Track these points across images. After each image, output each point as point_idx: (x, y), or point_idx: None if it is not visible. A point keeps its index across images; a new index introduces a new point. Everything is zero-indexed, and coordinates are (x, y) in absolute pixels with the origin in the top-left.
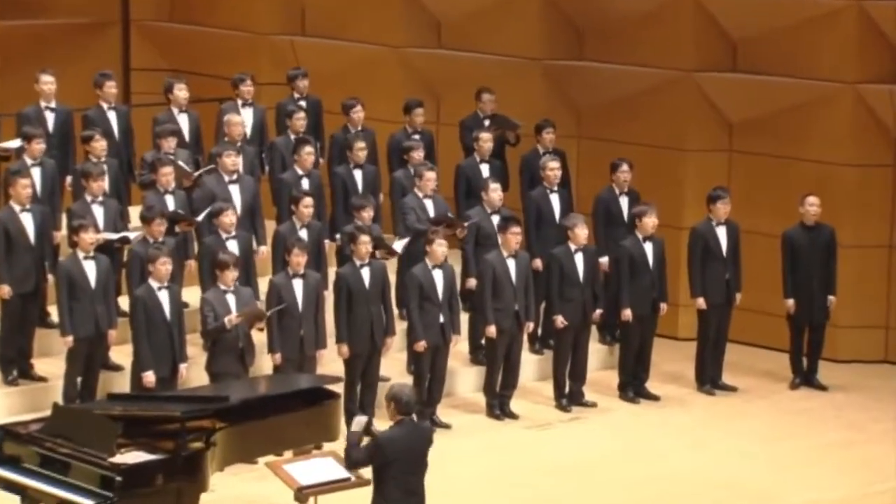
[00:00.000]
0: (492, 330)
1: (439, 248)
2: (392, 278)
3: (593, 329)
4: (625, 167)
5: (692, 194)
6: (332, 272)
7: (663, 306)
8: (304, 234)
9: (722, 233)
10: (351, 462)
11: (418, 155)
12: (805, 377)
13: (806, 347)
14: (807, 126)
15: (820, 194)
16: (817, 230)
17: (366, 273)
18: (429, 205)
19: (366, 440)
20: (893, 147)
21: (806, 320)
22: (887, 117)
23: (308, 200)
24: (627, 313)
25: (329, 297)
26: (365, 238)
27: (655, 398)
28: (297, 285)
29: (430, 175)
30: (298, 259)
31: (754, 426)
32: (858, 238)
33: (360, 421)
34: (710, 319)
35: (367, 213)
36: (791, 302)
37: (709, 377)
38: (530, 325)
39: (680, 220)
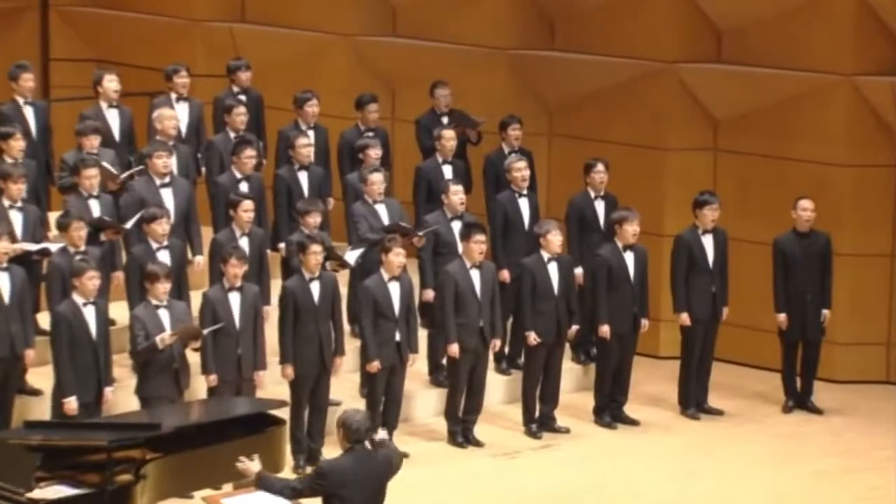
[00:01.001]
0: (454, 349)
1: (396, 258)
2: (343, 291)
3: (566, 347)
4: (600, 168)
5: (674, 198)
6: (275, 285)
7: (644, 322)
8: (244, 242)
9: (708, 241)
10: (289, 493)
11: (375, 154)
12: (799, 399)
13: (799, 366)
14: (799, 122)
15: (814, 198)
16: (811, 237)
17: (315, 287)
18: (382, 211)
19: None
20: (895, 145)
21: (799, 336)
22: (888, 113)
23: (248, 205)
24: (605, 330)
25: (271, 312)
26: (316, 248)
27: (635, 423)
28: (234, 300)
29: (375, 178)
30: (236, 270)
31: (743, 453)
32: (857, 246)
33: None
34: (695, 336)
35: (313, 220)
36: (783, 317)
37: (693, 399)
38: (496, 343)
39: (660, 226)
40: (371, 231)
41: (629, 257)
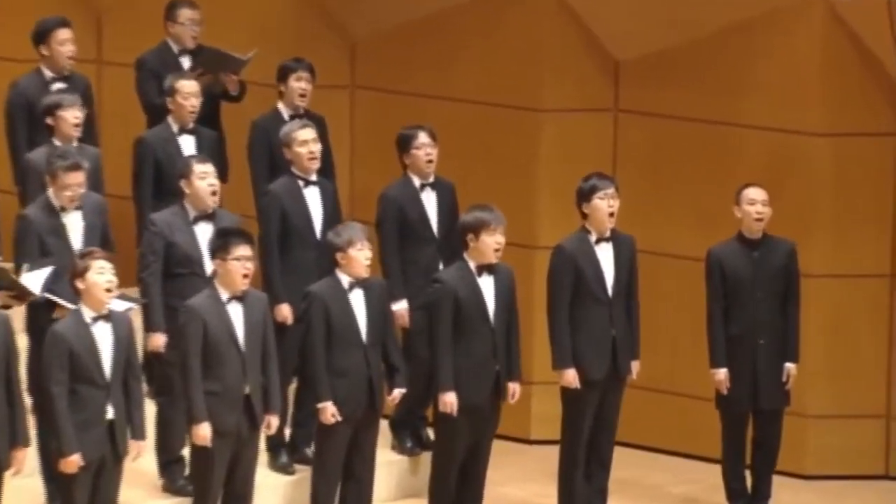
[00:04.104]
0: (204, 430)
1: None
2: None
3: (384, 426)
4: (424, 140)
5: (551, 188)
6: None
7: (513, 388)
8: None
9: (606, 254)
10: None
11: (72, 117)
12: None
13: (751, 454)
14: (747, 65)
15: (771, 185)
16: (766, 247)
17: None
18: (74, 223)
19: None
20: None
21: (749, 406)
22: (883, 48)
23: None
24: (449, 399)
25: None
26: None
27: None
28: None
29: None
30: None
31: None
32: (837, 261)
33: None
34: (586, 406)
35: None
36: (722, 373)
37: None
38: (272, 422)
39: (531, 233)
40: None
41: (487, 284)
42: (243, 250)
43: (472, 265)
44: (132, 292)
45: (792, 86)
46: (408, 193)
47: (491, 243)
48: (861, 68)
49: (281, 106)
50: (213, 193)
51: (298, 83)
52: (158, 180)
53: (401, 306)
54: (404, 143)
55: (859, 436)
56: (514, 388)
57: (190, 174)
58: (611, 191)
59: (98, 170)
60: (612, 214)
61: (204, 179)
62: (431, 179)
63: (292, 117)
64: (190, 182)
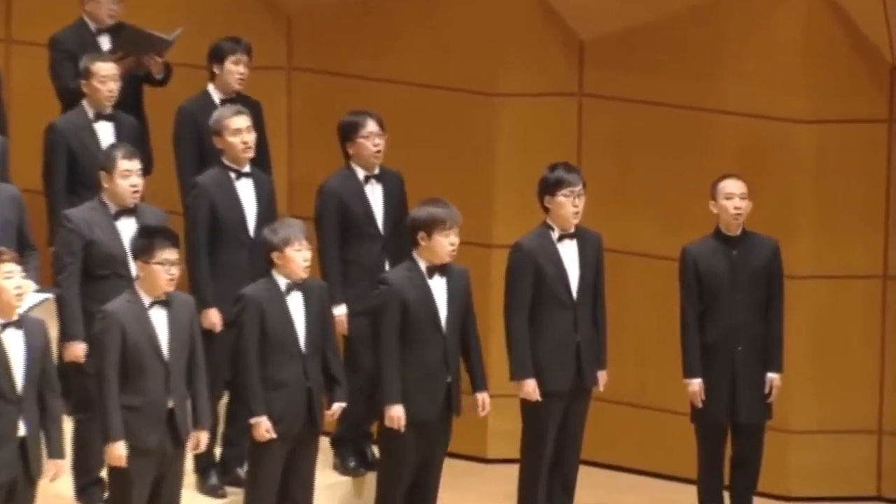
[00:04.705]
0: (118, 450)
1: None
2: None
3: (325, 444)
4: (371, 128)
5: (508, 180)
6: None
7: (482, 398)
8: None
9: (569, 252)
10: None
11: None
12: None
13: (729, 472)
14: (724, 45)
15: (749, 176)
16: (745, 245)
17: None
18: None
19: None
20: (889, 85)
21: (727, 419)
22: (873, 26)
23: None
24: (397, 414)
25: None
26: None
27: None
28: None
29: None
30: None
31: None
32: (824, 260)
33: None
34: (548, 421)
35: None
36: (696, 384)
37: None
38: (201, 440)
39: (487, 231)
40: None
41: (439, 286)
42: (168, 254)
43: (423, 265)
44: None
45: (772, 67)
46: (351, 186)
47: (445, 244)
48: (848, 48)
49: (212, 89)
50: (134, 191)
51: (237, 67)
52: (72, 172)
53: (340, 311)
54: (348, 131)
55: (848, 453)
56: (482, 398)
57: (112, 169)
58: (578, 188)
59: (4, 160)
60: (576, 214)
61: (127, 178)
62: (377, 171)
63: (224, 102)
64: (111, 178)
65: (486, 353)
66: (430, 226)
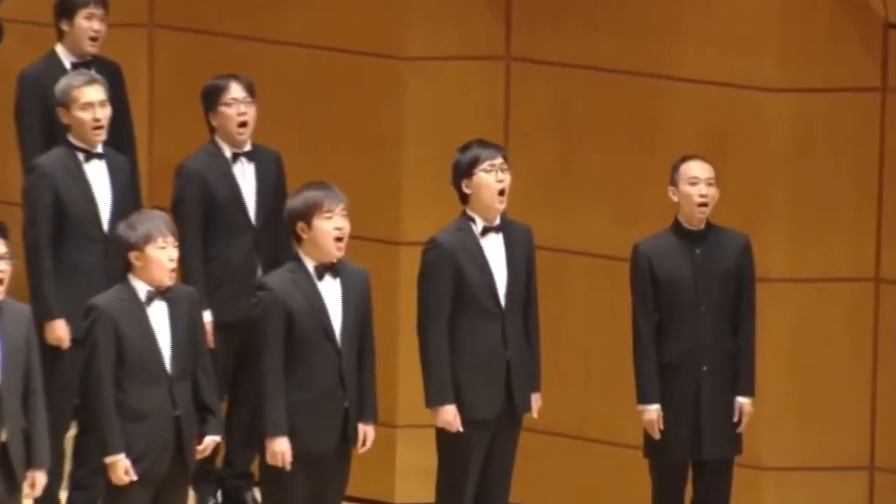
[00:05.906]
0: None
1: None
2: None
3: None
4: (237, 92)
5: (419, 163)
6: None
7: (364, 431)
8: None
9: (495, 249)
10: None
11: None
12: None
13: None
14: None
15: (712, 156)
16: (711, 242)
17: None
18: None
19: None
20: (882, 45)
21: (688, 453)
22: None
23: None
24: (281, 448)
25: None
26: None
27: None
28: None
29: None
30: None
31: None
32: (802, 260)
33: None
34: (469, 455)
35: None
36: (653, 411)
37: None
38: (38, 481)
39: (394, 225)
40: None
41: (331, 291)
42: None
43: (310, 265)
44: None
45: (741, 26)
46: (215, 166)
47: (328, 230)
48: (832, 3)
49: (60, 50)
50: None
51: (90, 22)
52: None
53: (205, 319)
54: (210, 99)
55: (834, 493)
56: (364, 431)
57: None
58: (498, 161)
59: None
60: (502, 192)
61: None
62: (248, 147)
63: (76, 66)
64: None
65: (394, 373)
66: (308, 212)
